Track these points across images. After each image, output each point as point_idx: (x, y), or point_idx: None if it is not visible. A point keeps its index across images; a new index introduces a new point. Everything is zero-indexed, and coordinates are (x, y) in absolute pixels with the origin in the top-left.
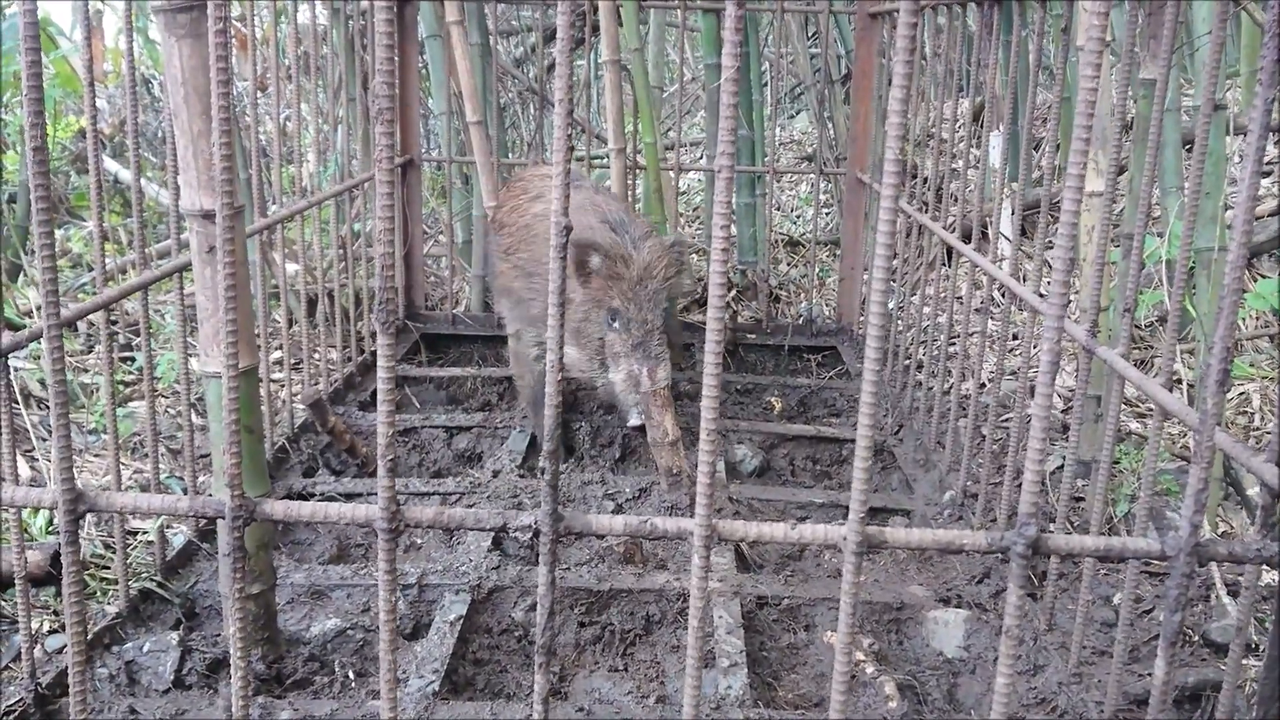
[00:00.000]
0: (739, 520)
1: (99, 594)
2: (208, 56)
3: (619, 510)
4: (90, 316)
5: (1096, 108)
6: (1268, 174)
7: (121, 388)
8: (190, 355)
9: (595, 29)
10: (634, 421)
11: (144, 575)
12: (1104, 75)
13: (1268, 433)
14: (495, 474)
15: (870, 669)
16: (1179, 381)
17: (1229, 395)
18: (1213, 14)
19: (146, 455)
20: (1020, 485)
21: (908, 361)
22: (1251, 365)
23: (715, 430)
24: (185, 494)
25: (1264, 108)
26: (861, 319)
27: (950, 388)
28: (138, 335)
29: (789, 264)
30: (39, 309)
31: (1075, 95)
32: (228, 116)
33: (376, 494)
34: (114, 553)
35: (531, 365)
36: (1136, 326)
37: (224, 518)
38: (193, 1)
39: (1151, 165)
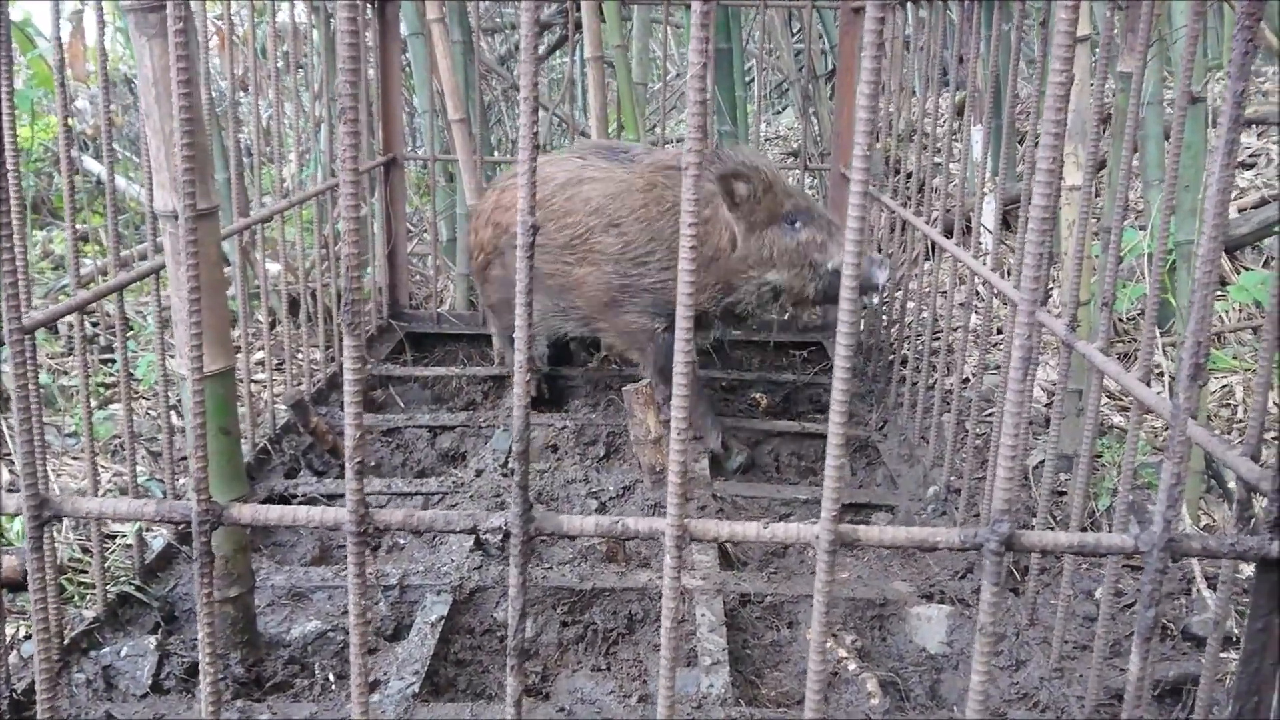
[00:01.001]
0: (711, 520)
1: (76, 598)
2: (191, 38)
3: (602, 509)
4: (69, 318)
5: (1076, 101)
6: (1250, 166)
7: (102, 389)
8: (169, 356)
9: (579, 25)
10: (882, 278)
11: (122, 579)
12: (1083, 68)
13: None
14: (478, 473)
15: (853, 666)
16: (1160, 374)
17: (1212, 388)
18: (1189, 7)
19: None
20: None
21: (892, 357)
22: (1235, 358)
23: (686, 429)
24: (164, 496)
25: (1234, 100)
26: None
27: (934, 383)
28: (126, 329)
29: None
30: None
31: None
32: (190, 118)
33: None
34: (92, 556)
35: (655, 337)
36: (1120, 319)
37: (190, 523)
38: (162, 1)
39: (1128, 160)
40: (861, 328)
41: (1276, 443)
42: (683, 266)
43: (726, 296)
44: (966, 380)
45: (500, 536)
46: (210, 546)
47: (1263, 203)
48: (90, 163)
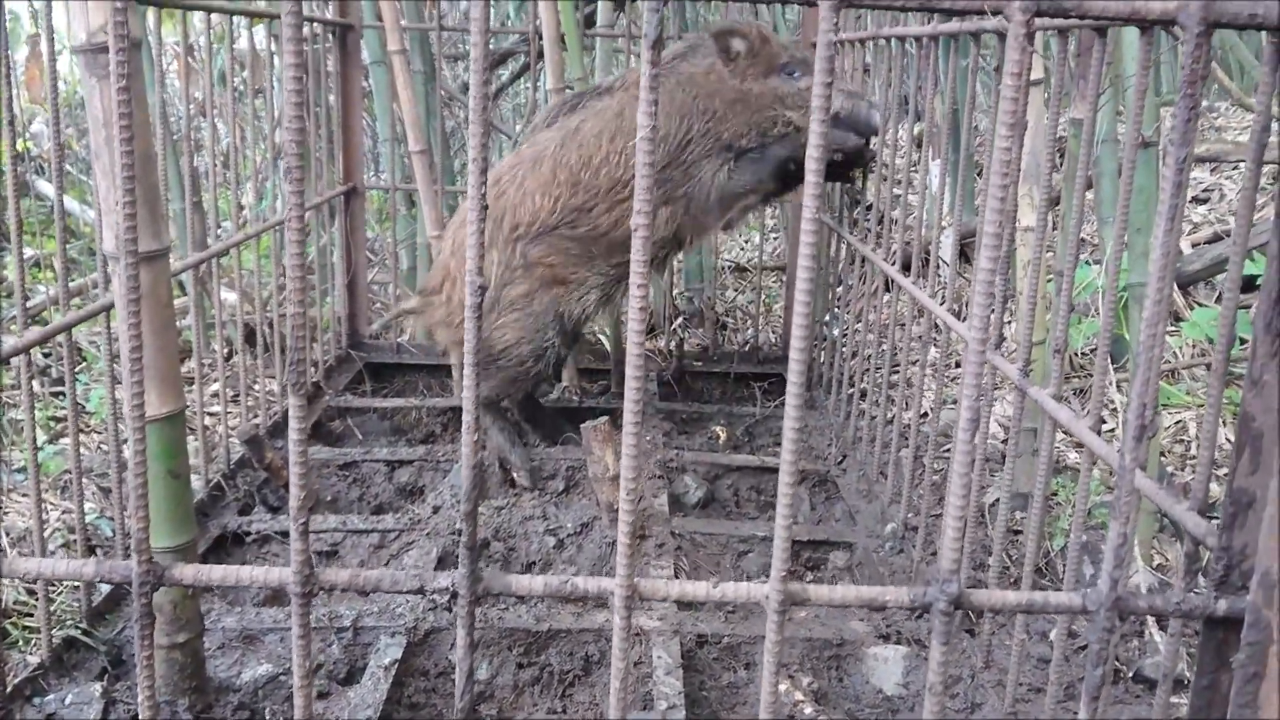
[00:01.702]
0: (661, 580)
1: (21, 643)
2: (131, 95)
3: (560, 546)
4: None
5: (1031, 143)
6: (1203, 201)
7: (53, 423)
8: (120, 391)
9: (541, 54)
10: (877, 119)
11: (69, 622)
12: (1036, 110)
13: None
14: (436, 510)
15: (809, 709)
16: (1114, 410)
17: (1166, 423)
18: (1139, 55)
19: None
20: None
21: (851, 390)
22: (1188, 393)
23: (635, 489)
24: (114, 534)
25: (1176, 166)
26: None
27: (893, 417)
28: (75, 366)
29: (736, 290)
30: None
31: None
32: (130, 175)
33: (316, 532)
34: (37, 599)
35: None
36: (1076, 354)
37: (130, 583)
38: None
39: (1080, 205)
40: (818, 357)
41: (1222, 498)
42: (631, 328)
43: (761, 138)
44: (925, 415)
45: (448, 597)
46: (150, 607)
47: (1215, 238)
48: (45, 186)
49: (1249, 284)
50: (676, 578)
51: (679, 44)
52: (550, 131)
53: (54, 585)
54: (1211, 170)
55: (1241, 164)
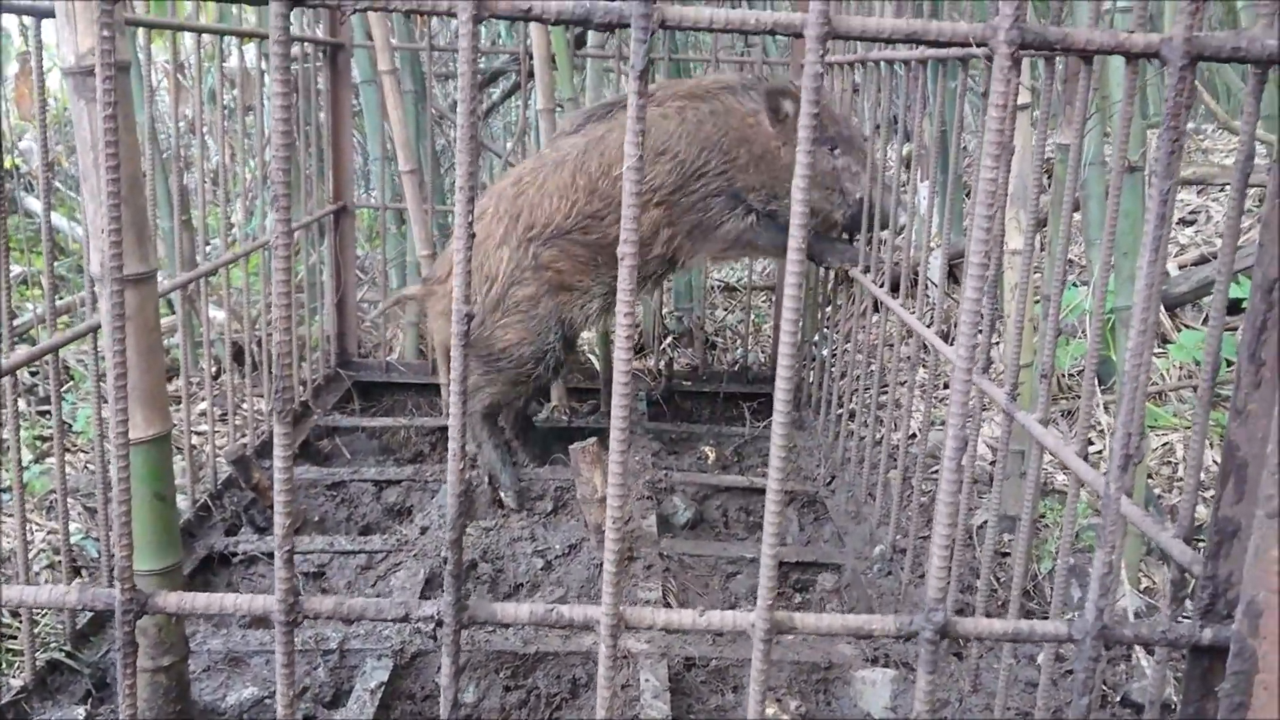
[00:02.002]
0: (648, 608)
1: (4, 666)
2: (118, 121)
3: (548, 567)
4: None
5: (1018, 167)
6: (1190, 223)
7: (39, 442)
8: (107, 411)
9: (531, 74)
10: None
11: (53, 644)
12: (1024, 134)
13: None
14: (423, 530)
15: None
16: (1101, 432)
17: (1154, 445)
18: (1125, 80)
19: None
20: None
21: (840, 411)
22: (1175, 415)
23: (621, 515)
24: (99, 556)
25: (1160, 198)
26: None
27: (881, 438)
28: (61, 386)
29: (725, 310)
30: None
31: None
32: (116, 203)
33: (302, 553)
34: (20, 621)
35: (754, 228)
36: (1063, 375)
37: (113, 612)
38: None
39: (1067, 229)
40: (807, 378)
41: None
42: (618, 355)
43: (770, 202)
44: (913, 436)
45: (433, 625)
46: (134, 634)
47: (1202, 260)
48: (34, 203)
49: (1235, 307)
50: (664, 600)
51: (734, 75)
52: (576, 137)
53: (38, 609)
54: (1198, 192)
55: (1228, 187)
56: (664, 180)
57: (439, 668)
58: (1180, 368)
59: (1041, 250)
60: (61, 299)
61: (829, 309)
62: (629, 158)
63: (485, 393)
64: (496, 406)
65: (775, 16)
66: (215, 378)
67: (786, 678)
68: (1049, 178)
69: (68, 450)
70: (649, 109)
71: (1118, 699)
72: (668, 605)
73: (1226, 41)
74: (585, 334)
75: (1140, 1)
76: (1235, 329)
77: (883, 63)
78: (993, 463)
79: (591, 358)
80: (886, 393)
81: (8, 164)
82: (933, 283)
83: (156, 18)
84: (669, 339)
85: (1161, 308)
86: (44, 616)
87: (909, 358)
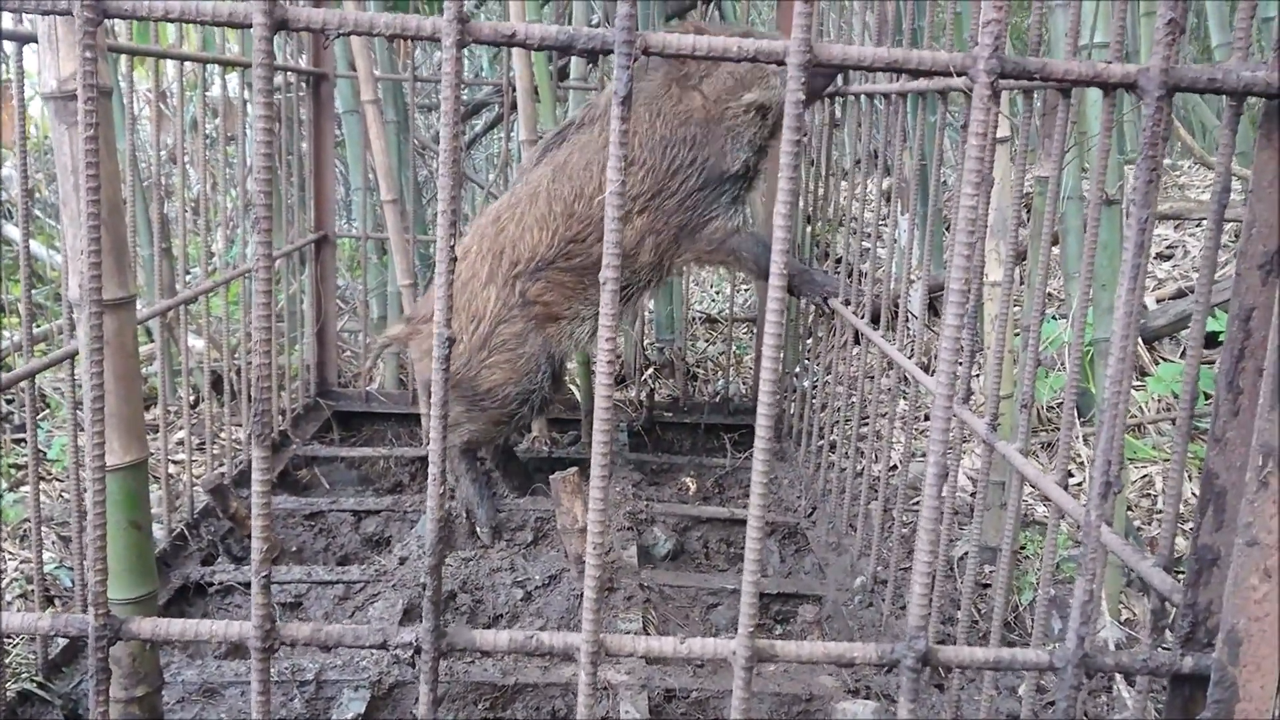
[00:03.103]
0: (628, 635)
1: None
2: (99, 144)
3: (528, 598)
4: None
5: (997, 199)
6: (1168, 258)
7: (13, 470)
8: (84, 439)
9: (514, 105)
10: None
11: (24, 675)
12: (1003, 167)
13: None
14: (402, 561)
15: None
16: (1081, 463)
17: (1133, 477)
18: (1103, 114)
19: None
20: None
21: (821, 442)
22: (1154, 448)
23: (602, 544)
24: (73, 585)
25: (1138, 227)
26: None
27: (862, 469)
28: (37, 414)
29: (706, 341)
30: None
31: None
32: (96, 210)
33: (280, 583)
34: None
35: (740, 230)
36: (1043, 407)
37: (86, 639)
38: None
39: (1046, 262)
40: (790, 409)
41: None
42: (599, 381)
43: (736, 142)
44: (894, 468)
45: (411, 652)
46: (107, 662)
47: (1180, 294)
48: (12, 230)
49: (1212, 340)
50: (645, 630)
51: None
52: (541, 168)
53: (9, 637)
54: (1175, 227)
55: (1204, 221)
56: (641, 188)
57: (417, 699)
58: (1159, 400)
59: (1021, 283)
60: (39, 326)
61: (810, 340)
62: (611, 183)
63: (465, 429)
64: (476, 444)
65: (758, 44)
66: (193, 406)
67: (768, 709)
68: (1028, 211)
69: (42, 479)
70: (598, 127)
71: None
72: (648, 633)
73: (1203, 73)
74: (568, 365)
75: (1117, 39)
76: (1212, 362)
77: (863, 96)
78: (973, 494)
79: (573, 388)
80: (867, 424)
81: None
82: (913, 314)
83: (139, 45)
84: (650, 370)
85: (1140, 341)
86: (15, 645)
87: (890, 389)
